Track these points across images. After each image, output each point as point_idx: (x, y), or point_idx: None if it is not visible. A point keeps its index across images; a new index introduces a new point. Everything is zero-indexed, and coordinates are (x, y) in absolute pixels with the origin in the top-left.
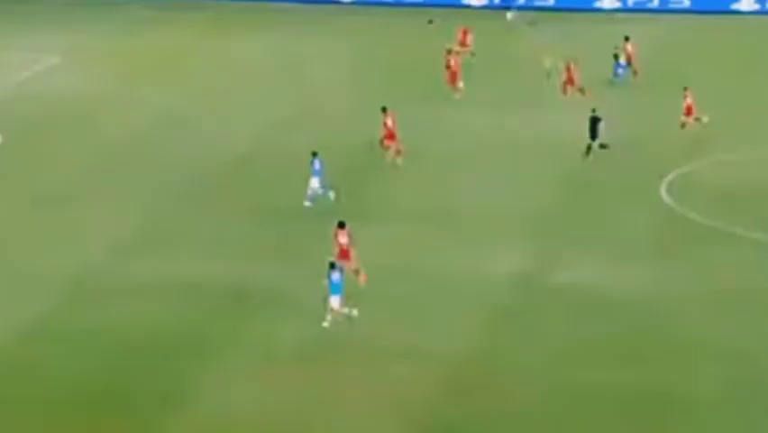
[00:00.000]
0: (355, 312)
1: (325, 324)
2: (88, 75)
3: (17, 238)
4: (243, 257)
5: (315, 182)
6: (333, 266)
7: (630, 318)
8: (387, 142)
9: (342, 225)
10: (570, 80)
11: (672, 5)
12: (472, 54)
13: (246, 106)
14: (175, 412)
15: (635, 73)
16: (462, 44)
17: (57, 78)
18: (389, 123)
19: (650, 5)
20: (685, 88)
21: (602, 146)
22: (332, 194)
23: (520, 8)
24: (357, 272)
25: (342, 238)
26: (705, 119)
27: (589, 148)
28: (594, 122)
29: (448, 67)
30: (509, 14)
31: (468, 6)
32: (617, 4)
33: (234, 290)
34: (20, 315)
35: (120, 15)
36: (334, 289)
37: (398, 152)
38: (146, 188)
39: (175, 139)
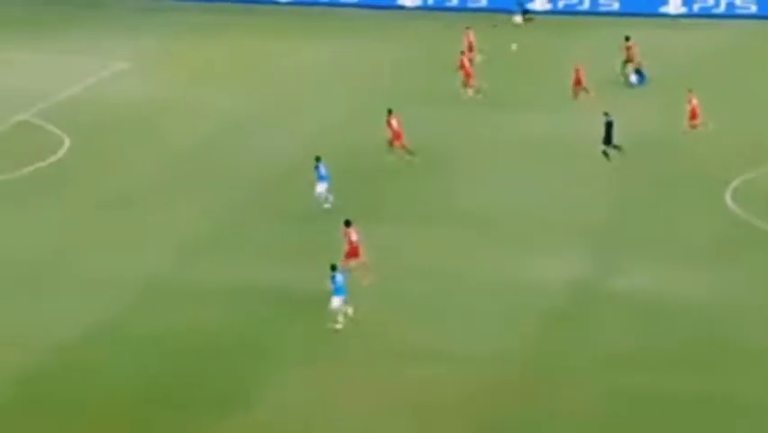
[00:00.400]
0: (351, 310)
1: (338, 326)
2: (155, 80)
3: (84, 241)
4: (304, 261)
5: (321, 187)
6: (334, 268)
7: (689, 325)
8: (395, 143)
9: (348, 224)
10: (577, 82)
11: (738, 11)
12: (480, 53)
13: (309, 111)
14: (233, 414)
15: (637, 72)
16: (470, 46)
17: (124, 84)
18: (395, 124)
19: (716, 11)
20: (689, 91)
21: (616, 147)
22: (331, 198)
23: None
24: (366, 271)
25: (353, 236)
26: (711, 125)
27: (605, 153)
28: (609, 126)
29: (462, 68)
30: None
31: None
32: (683, 10)
33: (296, 294)
34: (86, 317)
35: (187, 21)
36: (339, 290)
37: (409, 152)
38: (211, 192)
39: (239, 144)
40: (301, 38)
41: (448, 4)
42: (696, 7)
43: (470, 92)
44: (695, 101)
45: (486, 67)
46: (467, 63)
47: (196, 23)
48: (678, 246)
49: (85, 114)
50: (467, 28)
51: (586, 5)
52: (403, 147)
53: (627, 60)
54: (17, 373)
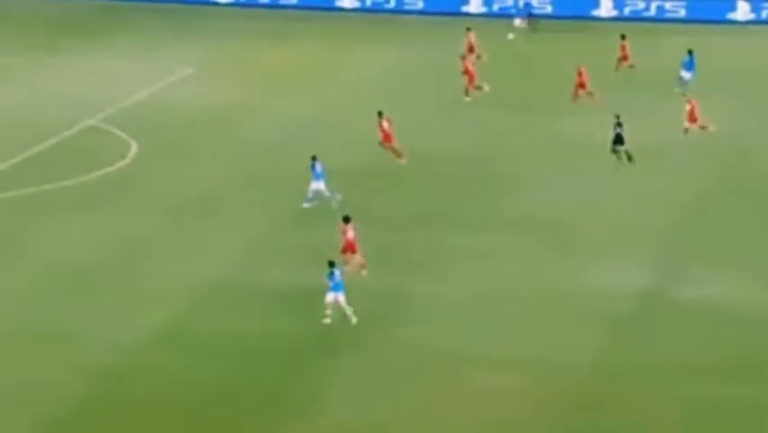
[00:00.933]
0: (354, 319)
1: (327, 320)
2: (221, 85)
3: (152, 244)
4: (371, 264)
5: (318, 185)
6: (332, 264)
7: (758, 334)
8: (385, 145)
9: (347, 220)
10: (581, 85)
11: None
12: (478, 57)
13: (373, 116)
14: (300, 416)
15: (630, 66)
16: (471, 49)
17: (190, 88)
18: (386, 126)
19: None
20: (689, 97)
21: (629, 156)
22: (338, 196)
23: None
24: (363, 266)
25: (349, 232)
26: (712, 128)
27: (617, 154)
28: (619, 129)
29: (465, 72)
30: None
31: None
32: (751, 16)
33: (366, 297)
34: (156, 318)
35: (251, 26)
36: (336, 286)
37: (398, 154)
38: (277, 195)
39: (305, 148)
40: (365, 44)
41: (512, 12)
42: (765, 14)
43: (469, 96)
44: (692, 104)
45: (541, 71)
46: (470, 66)
47: (260, 29)
48: (748, 254)
49: (152, 118)
50: (468, 29)
51: (652, 12)
52: (393, 149)
53: (622, 59)
54: (90, 372)
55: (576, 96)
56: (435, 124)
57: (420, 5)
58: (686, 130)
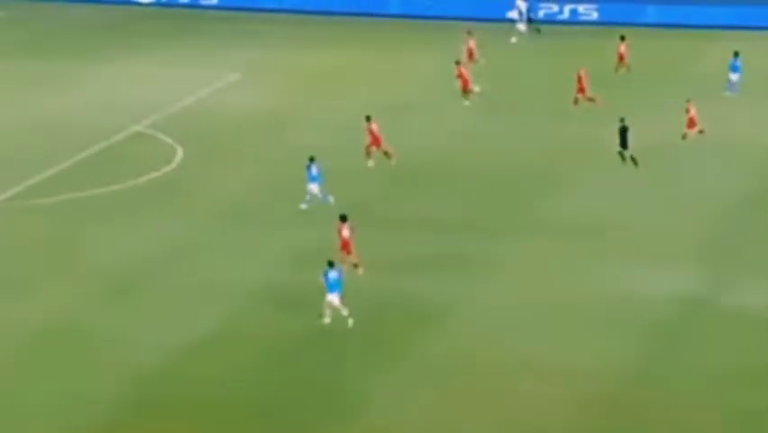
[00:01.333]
0: (351, 321)
1: (327, 319)
2: (267, 91)
3: (198, 249)
4: (412, 269)
5: (313, 188)
6: (331, 264)
7: None
8: (373, 148)
9: (344, 219)
10: (581, 89)
11: None
12: (475, 61)
13: (424, 121)
14: (347, 419)
15: (627, 68)
16: (471, 53)
17: (236, 94)
18: (375, 129)
19: None
20: (687, 101)
21: (633, 159)
22: (331, 198)
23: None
24: (356, 265)
25: (345, 232)
26: (705, 132)
27: (623, 156)
28: (624, 131)
29: (459, 76)
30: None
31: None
32: None
33: (413, 302)
34: (202, 322)
35: (295, 32)
36: (333, 286)
37: (388, 155)
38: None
39: (350, 153)
40: (409, 49)
41: (559, 18)
42: None
43: (467, 101)
44: (692, 111)
45: (595, 79)
46: (464, 72)
47: (306, 35)
48: None
49: (198, 124)
50: (468, 33)
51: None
52: (384, 152)
53: (620, 60)
54: (135, 376)
55: (576, 101)
56: (475, 128)
57: (463, 11)
58: (684, 136)
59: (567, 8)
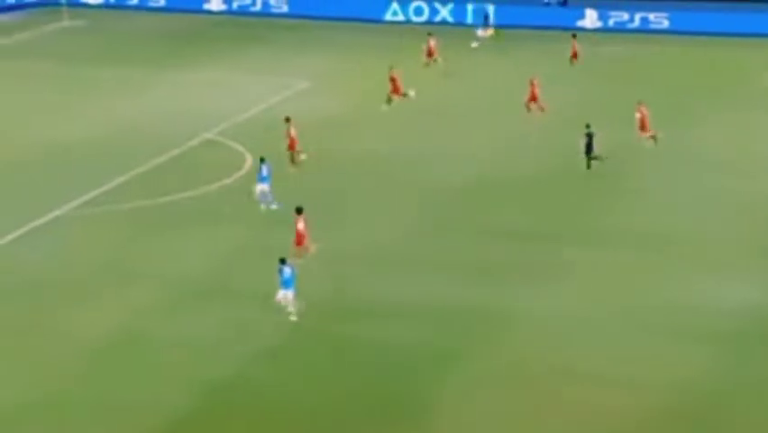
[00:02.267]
0: (301, 306)
1: (293, 318)
2: (335, 98)
3: (268, 255)
4: (478, 277)
5: (262, 187)
6: (283, 261)
7: None
8: (291, 150)
9: (299, 212)
10: (533, 97)
11: None
12: (435, 61)
13: (487, 129)
14: (414, 427)
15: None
16: (430, 53)
17: (306, 102)
18: (293, 132)
19: None
20: (639, 102)
21: (596, 158)
22: (275, 205)
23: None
24: (307, 249)
25: (299, 224)
26: (659, 134)
27: (589, 164)
28: (589, 138)
29: (391, 81)
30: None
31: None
32: None
33: (477, 311)
34: (267, 329)
35: (368, 41)
36: (288, 282)
37: (296, 156)
38: (393, 206)
39: (418, 160)
40: (481, 57)
41: (630, 26)
42: None
43: (386, 107)
44: (643, 112)
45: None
46: (395, 75)
47: (376, 43)
48: None
49: (268, 131)
50: (429, 35)
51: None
52: (293, 154)
53: (573, 57)
54: (203, 383)
55: (528, 108)
56: (541, 138)
57: (535, 21)
58: (639, 139)
59: (638, 16)
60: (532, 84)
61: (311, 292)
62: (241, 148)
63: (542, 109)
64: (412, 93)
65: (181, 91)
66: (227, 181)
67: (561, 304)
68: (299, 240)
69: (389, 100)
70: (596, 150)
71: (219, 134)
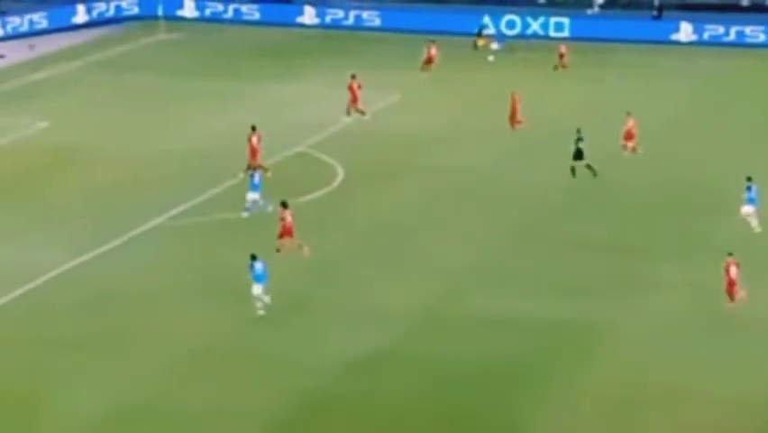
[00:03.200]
0: (268, 298)
1: (260, 312)
2: (426, 111)
3: (361, 269)
4: (563, 291)
5: (253, 195)
6: (254, 258)
7: None
8: (251, 161)
9: (285, 205)
10: (513, 113)
11: None
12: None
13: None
14: None
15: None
16: (429, 60)
17: (396, 115)
18: (254, 141)
19: None
20: (628, 114)
21: (588, 166)
22: (270, 207)
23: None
24: (300, 247)
25: (287, 218)
26: (641, 150)
27: (573, 169)
28: (579, 143)
29: (350, 89)
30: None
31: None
32: None
33: (561, 325)
34: (360, 344)
35: (457, 53)
36: (259, 278)
37: (250, 167)
38: (482, 221)
39: (510, 173)
40: (571, 74)
41: (725, 40)
42: None
43: (346, 117)
44: (631, 123)
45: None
46: (355, 87)
47: (462, 55)
48: None
49: (358, 145)
50: (431, 42)
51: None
52: (252, 163)
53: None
54: (292, 395)
55: (512, 125)
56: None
57: (630, 34)
58: (623, 147)
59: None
60: (513, 100)
61: (410, 307)
62: (331, 161)
63: (518, 123)
64: (367, 116)
65: (274, 104)
66: (318, 194)
67: (654, 319)
68: (284, 233)
69: (351, 108)
70: (586, 158)
71: (311, 147)
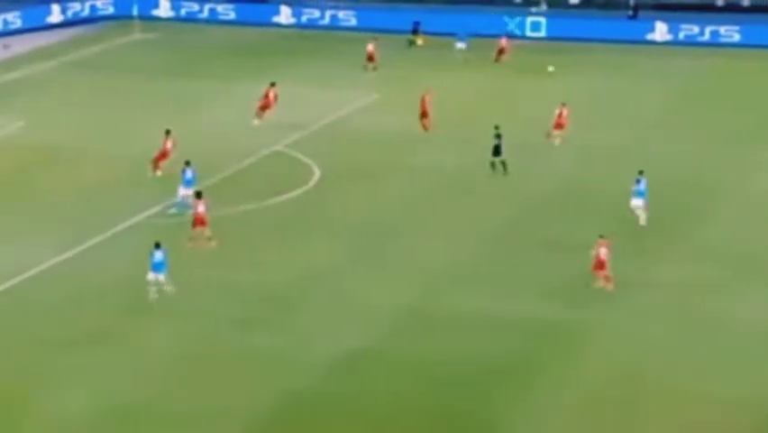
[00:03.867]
0: (170, 288)
1: (153, 295)
2: (404, 112)
3: (341, 266)
4: (546, 290)
5: (183, 191)
6: (158, 246)
7: None
8: (159, 162)
9: (199, 196)
10: (424, 113)
11: None
12: (374, 69)
13: (568, 141)
14: None
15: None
16: (371, 58)
17: (374, 115)
18: (169, 145)
19: None
20: (563, 104)
21: (502, 162)
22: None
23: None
24: (210, 239)
25: (200, 207)
26: (557, 141)
27: (492, 164)
28: (498, 140)
29: (265, 97)
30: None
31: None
32: None
33: (546, 324)
34: (344, 343)
35: (437, 55)
36: (157, 266)
37: (156, 168)
38: (462, 220)
39: (489, 174)
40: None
41: (700, 39)
42: None
43: (258, 121)
44: (564, 114)
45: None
46: (271, 95)
47: (443, 56)
48: None
49: (335, 145)
50: (374, 39)
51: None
52: (157, 164)
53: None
54: (282, 394)
55: (424, 126)
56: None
57: (604, 34)
58: (548, 135)
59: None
60: (423, 101)
61: (392, 307)
62: (308, 160)
63: (425, 127)
64: (257, 122)
65: (250, 104)
66: (295, 194)
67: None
68: (201, 221)
69: (259, 115)
70: (503, 154)
71: (288, 147)
